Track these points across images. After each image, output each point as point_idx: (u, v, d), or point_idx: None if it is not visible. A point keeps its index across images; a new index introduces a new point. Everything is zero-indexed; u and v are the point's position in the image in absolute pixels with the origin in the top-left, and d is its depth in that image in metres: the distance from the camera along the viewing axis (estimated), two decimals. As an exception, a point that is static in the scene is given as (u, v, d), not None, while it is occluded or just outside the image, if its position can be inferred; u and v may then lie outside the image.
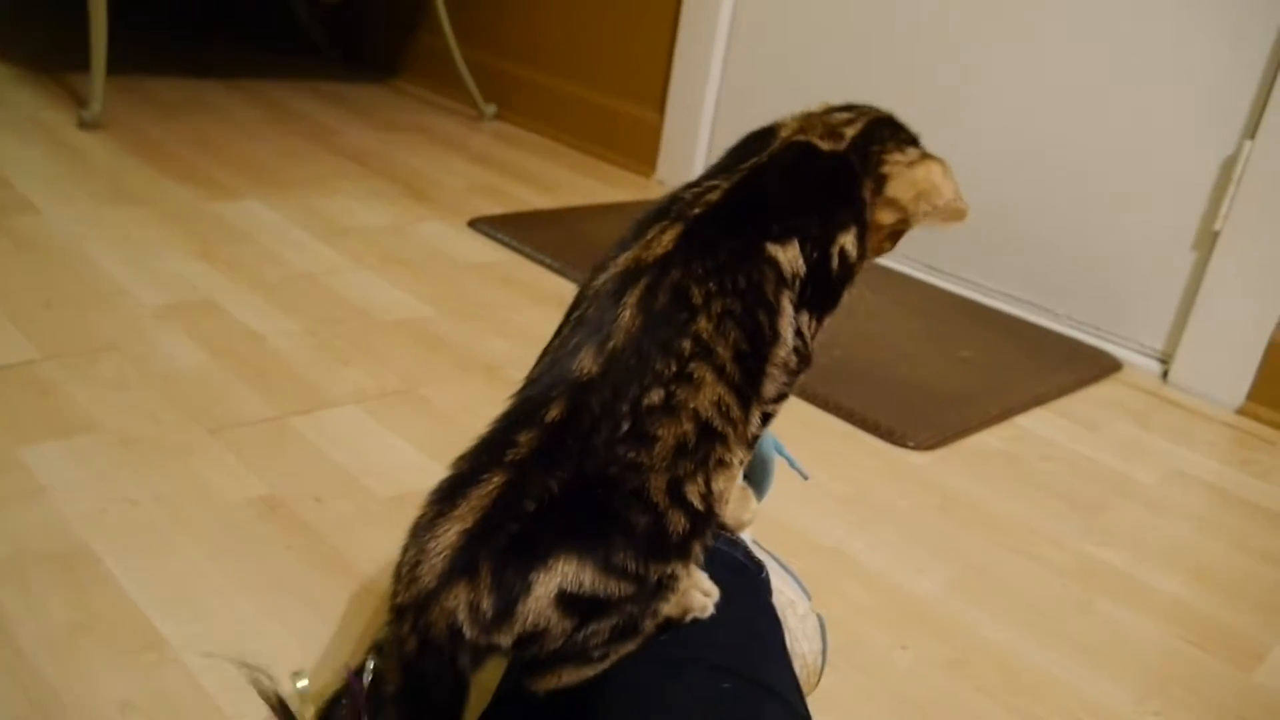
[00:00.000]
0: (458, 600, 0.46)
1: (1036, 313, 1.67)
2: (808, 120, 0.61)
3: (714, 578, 0.57)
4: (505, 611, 0.46)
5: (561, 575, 0.46)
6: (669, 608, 0.53)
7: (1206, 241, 1.48)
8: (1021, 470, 1.18)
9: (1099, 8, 1.55)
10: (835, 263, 0.57)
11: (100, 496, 0.87)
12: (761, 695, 0.53)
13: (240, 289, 1.31)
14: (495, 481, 0.48)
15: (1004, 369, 1.45)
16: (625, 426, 0.48)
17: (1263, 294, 1.42)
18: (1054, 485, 1.16)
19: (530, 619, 0.46)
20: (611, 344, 0.49)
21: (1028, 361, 1.49)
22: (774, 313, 0.54)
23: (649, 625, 0.52)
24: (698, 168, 2.09)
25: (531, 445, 0.48)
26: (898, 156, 0.61)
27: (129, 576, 0.78)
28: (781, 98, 1.94)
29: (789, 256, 0.54)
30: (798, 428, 1.19)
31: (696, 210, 0.54)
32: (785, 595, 0.74)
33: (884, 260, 1.85)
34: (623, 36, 2.16)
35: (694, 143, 2.08)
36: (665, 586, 0.51)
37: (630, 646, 0.52)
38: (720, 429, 0.51)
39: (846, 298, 0.60)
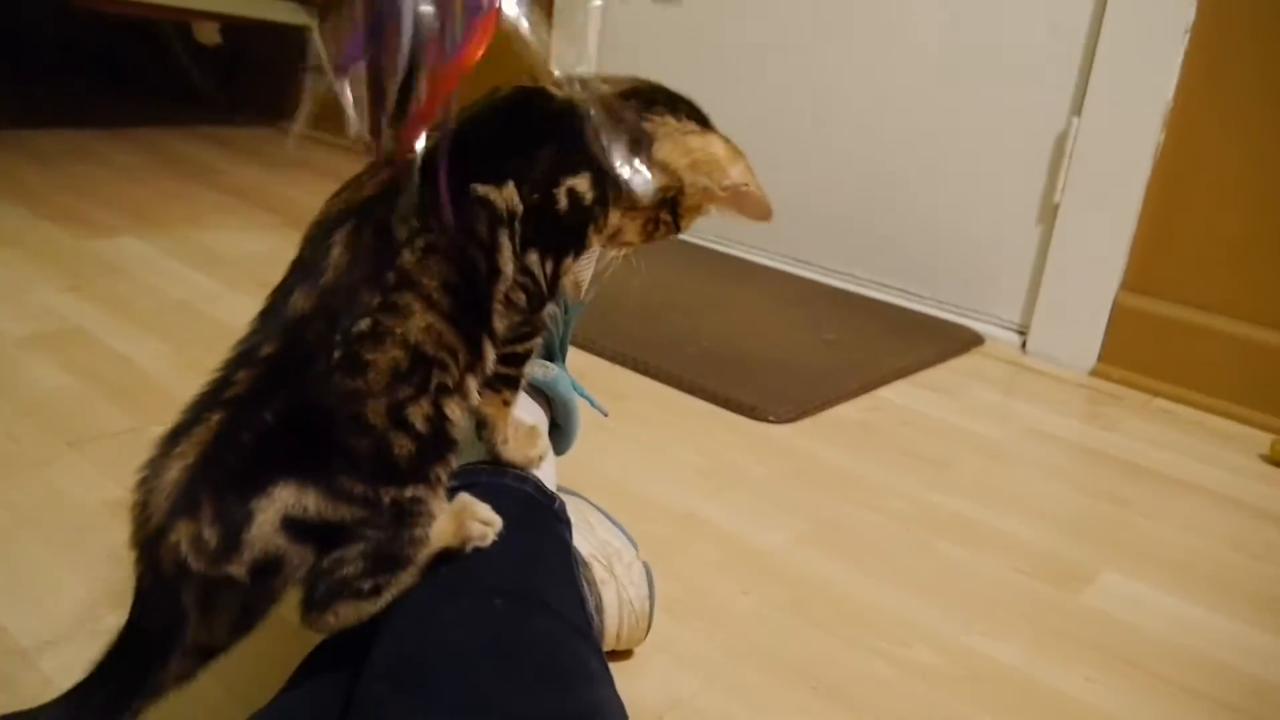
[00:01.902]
0: (180, 534, 0.48)
1: (903, 297, 1.74)
2: (584, 82, 0.63)
3: (499, 509, 0.60)
4: (230, 541, 0.48)
5: (283, 501, 0.49)
6: (443, 536, 0.56)
7: (1049, 215, 1.56)
8: (877, 435, 1.24)
9: (937, 6, 1.64)
10: (564, 203, 0.59)
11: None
12: (534, 609, 0.56)
13: (111, 318, 1.32)
14: (215, 419, 0.50)
15: (868, 347, 1.51)
16: (338, 354, 0.51)
17: (1104, 260, 1.50)
18: (908, 447, 1.21)
19: (259, 546, 0.48)
20: (323, 281, 0.52)
21: (891, 340, 1.55)
22: (490, 249, 0.56)
23: (413, 554, 0.55)
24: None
25: (249, 382, 0.50)
26: (671, 121, 0.62)
27: (-25, 579, 0.79)
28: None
29: (504, 195, 0.57)
30: (662, 411, 1.24)
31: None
32: (613, 545, 0.77)
33: (754, 256, 1.92)
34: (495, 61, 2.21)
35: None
36: (409, 511, 0.53)
37: (404, 578, 0.55)
38: (435, 354, 0.54)
39: (596, 241, 0.62)
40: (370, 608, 0.54)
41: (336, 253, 0.53)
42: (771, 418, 1.24)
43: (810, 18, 1.78)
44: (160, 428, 0.53)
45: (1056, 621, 0.90)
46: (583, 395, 0.80)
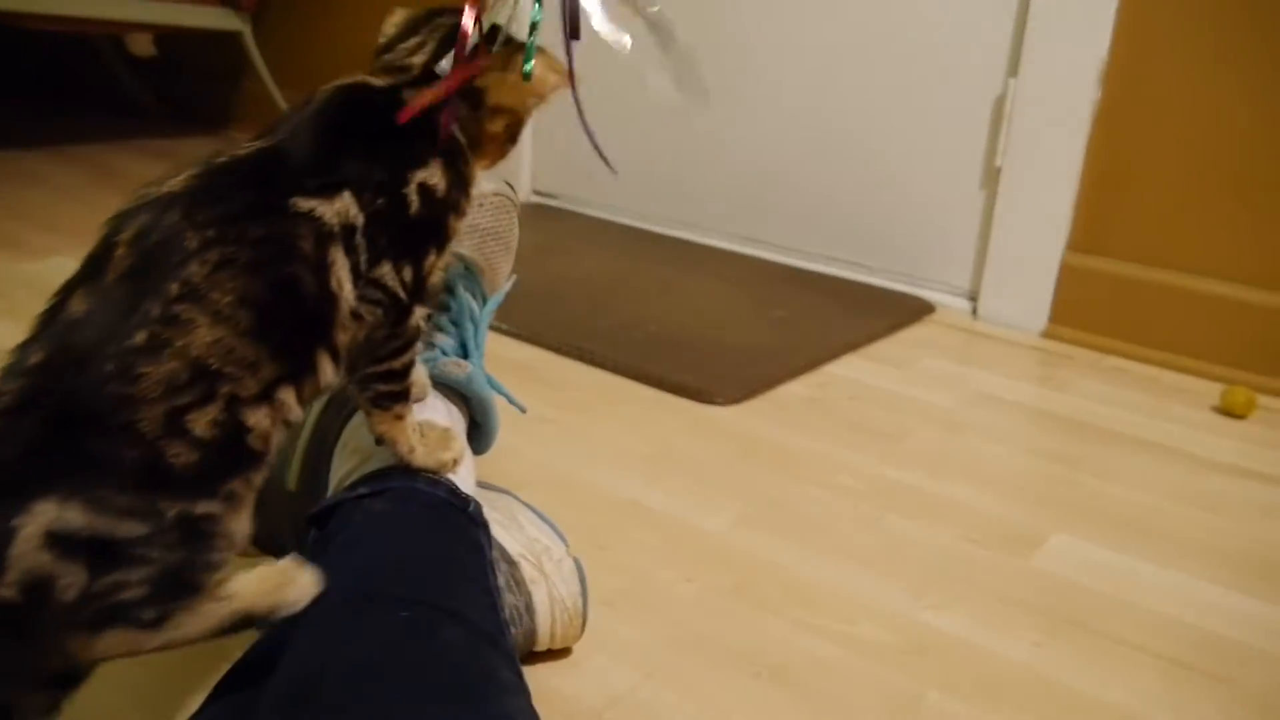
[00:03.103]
0: None
1: (853, 270, 1.73)
2: (380, 61, 0.61)
3: (411, 517, 0.57)
4: None
5: (45, 516, 0.45)
6: (250, 597, 0.51)
7: (992, 179, 1.55)
8: (826, 411, 1.22)
9: (865, -29, 1.62)
10: (415, 202, 0.57)
11: None
12: (442, 619, 0.54)
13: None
14: None
15: (816, 323, 1.50)
16: (110, 366, 0.47)
17: (1048, 221, 1.49)
18: (857, 421, 1.20)
19: (23, 565, 0.45)
20: (101, 284, 0.49)
21: (841, 314, 1.54)
22: (317, 267, 0.53)
23: (205, 580, 0.50)
24: (524, 173, 2.11)
25: (15, 393, 0.47)
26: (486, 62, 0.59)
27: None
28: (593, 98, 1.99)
29: (335, 209, 0.54)
30: (604, 400, 1.22)
31: (220, 160, 0.54)
32: (541, 542, 0.75)
33: (702, 238, 1.90)
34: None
35: (518, 155, 2.11)
36: (200, 529, 0.49)
37: (191, 621, 0.50)
38: (222, 369, 0.49)
39: (461, 225, 0.60)
40: (148, 641, 0.49)
41: (120, 254, 0.50)
42: (718, 400, 1.22)
43: (743, -6, 1.76)
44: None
45: (1005, 588, 0.89)
46: (499, 391, 0.78)
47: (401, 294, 0.57)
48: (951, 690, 0.75)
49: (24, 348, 0.49)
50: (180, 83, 2.71)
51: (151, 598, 0.48)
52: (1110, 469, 1.11)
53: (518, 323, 1.38)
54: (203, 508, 0.49)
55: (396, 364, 0.60)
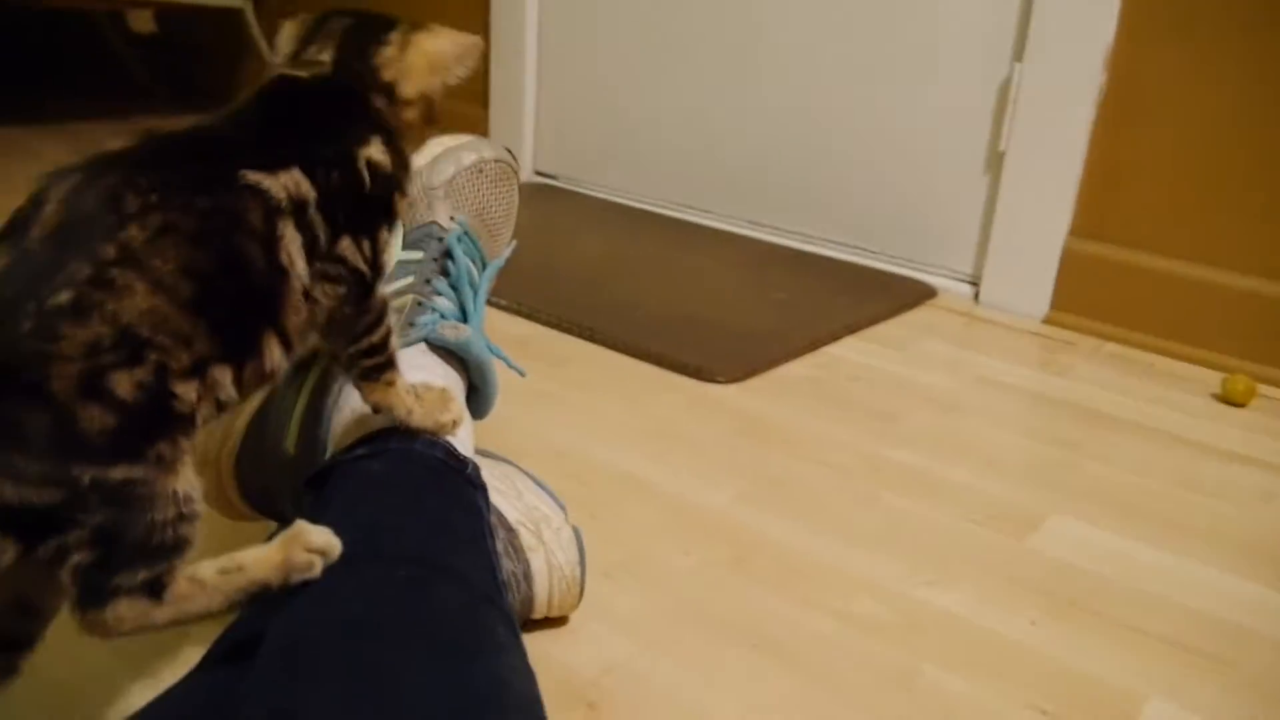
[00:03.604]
0: None
1: (856, 254, 1.72)
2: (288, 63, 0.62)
3: (409, 477, 0.57)
4: None
5: None
6: (263, 566, 0.52)
7: (995, 164, 1.55)
8: (826, 391, 1.22)
9: (872, -47, 1.61)
10: (367, 177, 0.57)
11: None
12: (438, 578, 0.54)
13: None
14: None
15: (817, 305, 1.49)
16: (28, 324, 0.45)
17: (1051, 207, 1.49)
18: (857, 401, 1.20)
19: None
20: (28, 239, 0.47)
21: (842, 297, 1.54)
22: (267, 241, 0.52)
23: (174, 539, 0.49)
24: (525, 153, 2.11)
25: None
26: (388, 54, 0.61)
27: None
28: (598, 78, 1.98)
29: (282, 182, 0.53)
30: (605, 376, 1.21)
31: (163, 132, 0.53)
32: (540, 510, 0.75)
33: (701, 219, 1.89)
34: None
35: (520, 132, 2.10)
36: (124, 492, 0.47)
37: (189, 588, 0.50)
38: (152, 338, 0.48)
39: (405, 205, 0.61)
40: (158, 614, 0.49)
41: (49, 211, 0.48)
42: (719, 378, 1.22)
43: (749, -25, 1.75)
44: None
45: (1002, 567, 0.88)
46: (498, 355, 0.78)
47: (364, 268, 0.57)
48: (947, 666, 0.75)
49: None
50: (179, 60, 2.70)
51: (126, 561, 0.47)
52: (1110, 453, 1.11)
53: (517, 298, 1.37)
54: (121, 472, 0.47)
55: (375, 338, 0.59)
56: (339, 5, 0.64)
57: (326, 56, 0.60)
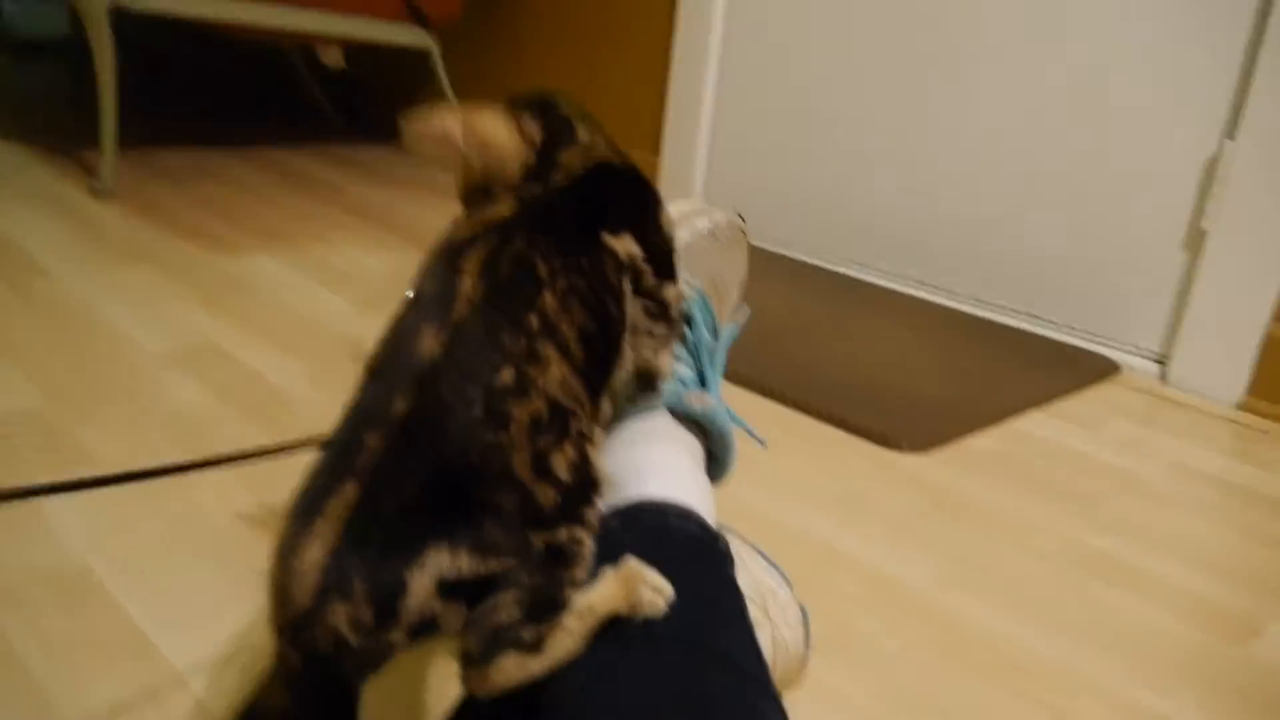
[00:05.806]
0: (337, 618, 0.45)
1: (1033, 323, 1.68)
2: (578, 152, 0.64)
3: (666, 553, 0.56)
4: (388, 614, 0.45)
5: (436, 566, 0.46)
6: (611, 600, 0.52)
7: (1195, 241, 1.49)
8: (1015, 467, 1.19)
9: (1084, 14, 1.58)
10: (670, 239, 0.63)
11: (102, 526, 0.89)
12: (713, 664, 0.53)
13: (244, 335, 1.35)
14: (349, 490, 0.46)
15: (999, 376, 1.46)
16: (478, 411, 0.47)
17: (1254, 289, 1.43)
18: (1049, 481, 1.16)
19: (415, 614, 0.46)
20: (454, 318, 0.48)
21: (1023, 368, 1.50)
22: (618, 295, 0.57)
23: (570, 596, 0.51)
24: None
25: (381, 445, 0.47)
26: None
27: (125, 593, 0.80)
28: (772, 129, 1.98)
29: (623, 245, 0.58)
30: (788, 435, 1.21)
31: (534, 191, 0.56)
32: (767, 584, 0.74)
33: (876, 279, 1.87)
34: (617, 81, 2.22)
35: (690, 180, 2.12)
36: (565, 552, 0.50)
37: (564, 639, 0.51)
38: (569, 406, 0.50)
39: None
40: (534, 665, 0.50)
41: (468, 285, 0.49)
42: (904, 446, 1.20)
43: (954, 32, 1.74)
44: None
45: (1224, 675, 0.84)
46: (739, 424, 0.78)
47: (673, 310, 0.64)
48: (1181, 780, 0.72)
49: (374, 387, 0.49)
50: (363, 96, 2.81)
51: (527, 618, 0.49)
52: (1328, 557, 1.05)
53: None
54: (565, 533, 0.50)
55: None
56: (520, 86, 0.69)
57: (587, 139, 0.63)
